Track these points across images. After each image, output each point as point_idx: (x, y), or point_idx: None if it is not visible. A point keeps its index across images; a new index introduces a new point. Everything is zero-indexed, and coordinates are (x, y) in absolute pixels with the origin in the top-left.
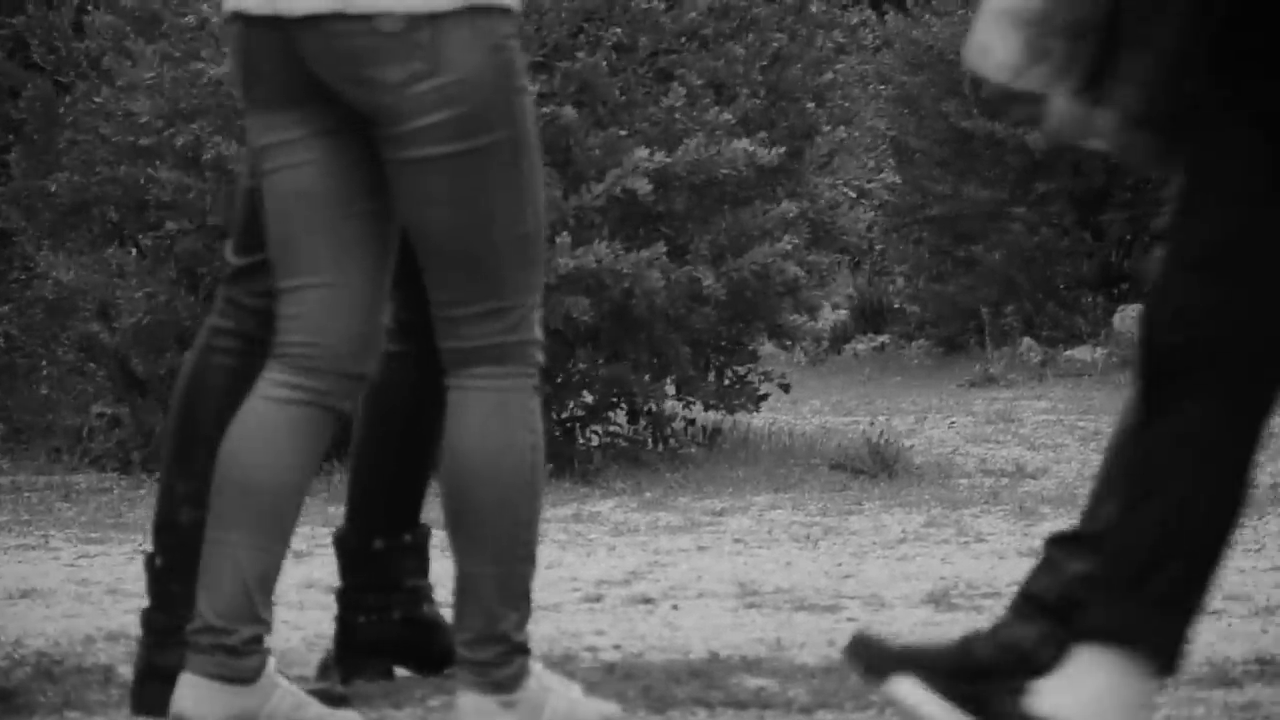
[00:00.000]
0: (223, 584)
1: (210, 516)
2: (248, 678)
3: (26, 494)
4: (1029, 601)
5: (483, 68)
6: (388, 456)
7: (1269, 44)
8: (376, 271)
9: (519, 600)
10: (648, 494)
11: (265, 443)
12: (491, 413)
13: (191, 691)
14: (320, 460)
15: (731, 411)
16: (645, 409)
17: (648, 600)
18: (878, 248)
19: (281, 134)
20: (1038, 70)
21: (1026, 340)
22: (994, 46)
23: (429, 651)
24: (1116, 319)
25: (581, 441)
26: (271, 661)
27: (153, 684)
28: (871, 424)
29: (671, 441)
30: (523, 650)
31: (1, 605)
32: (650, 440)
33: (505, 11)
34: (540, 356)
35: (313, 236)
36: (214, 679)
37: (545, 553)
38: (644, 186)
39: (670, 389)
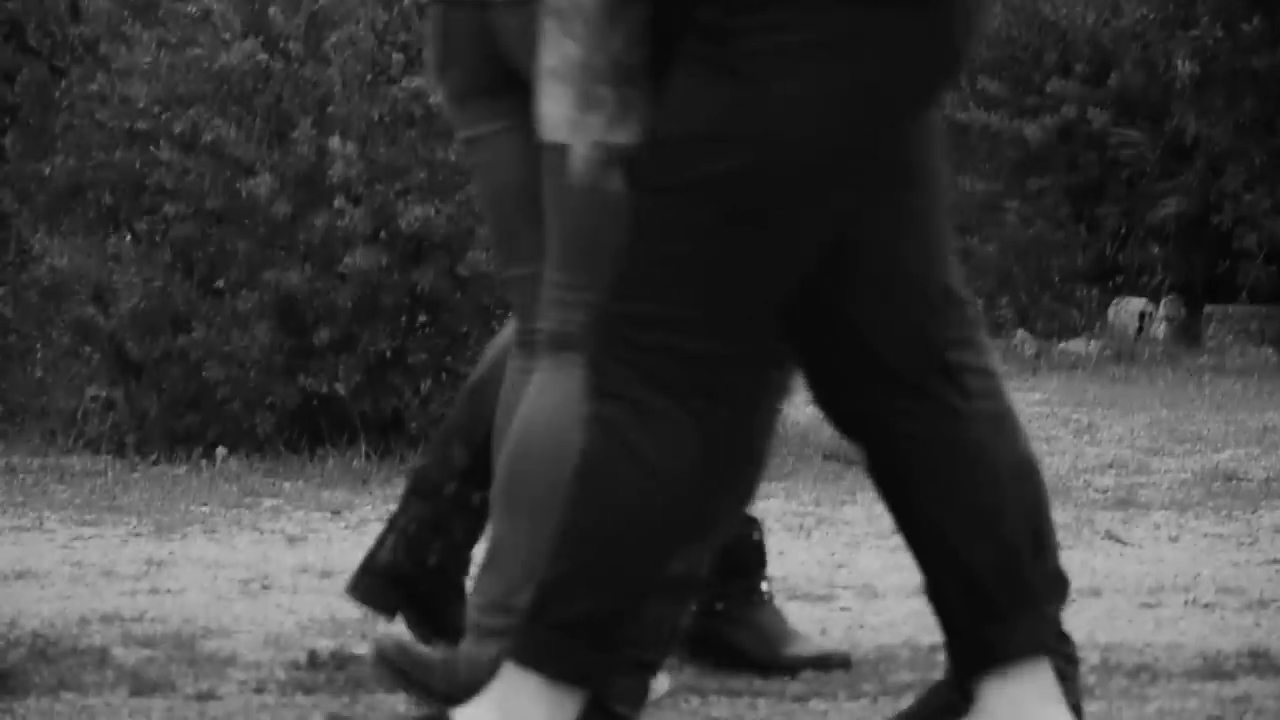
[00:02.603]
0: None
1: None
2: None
3: (21, 475)
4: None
5: None
6: None
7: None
8: None
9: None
10: None
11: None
12: (570, 394)
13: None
14: None
15: None
16: None
17: None
18: None
19: (484, 127)
20: (594, 120)
21: (1020, 332)
22: (551, 106)
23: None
24: (1111, 312)
25: None
26: None
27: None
28: None
29: None
30: None
31: None
32: None
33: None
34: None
35: (531, 227)
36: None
37: None
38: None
39: None
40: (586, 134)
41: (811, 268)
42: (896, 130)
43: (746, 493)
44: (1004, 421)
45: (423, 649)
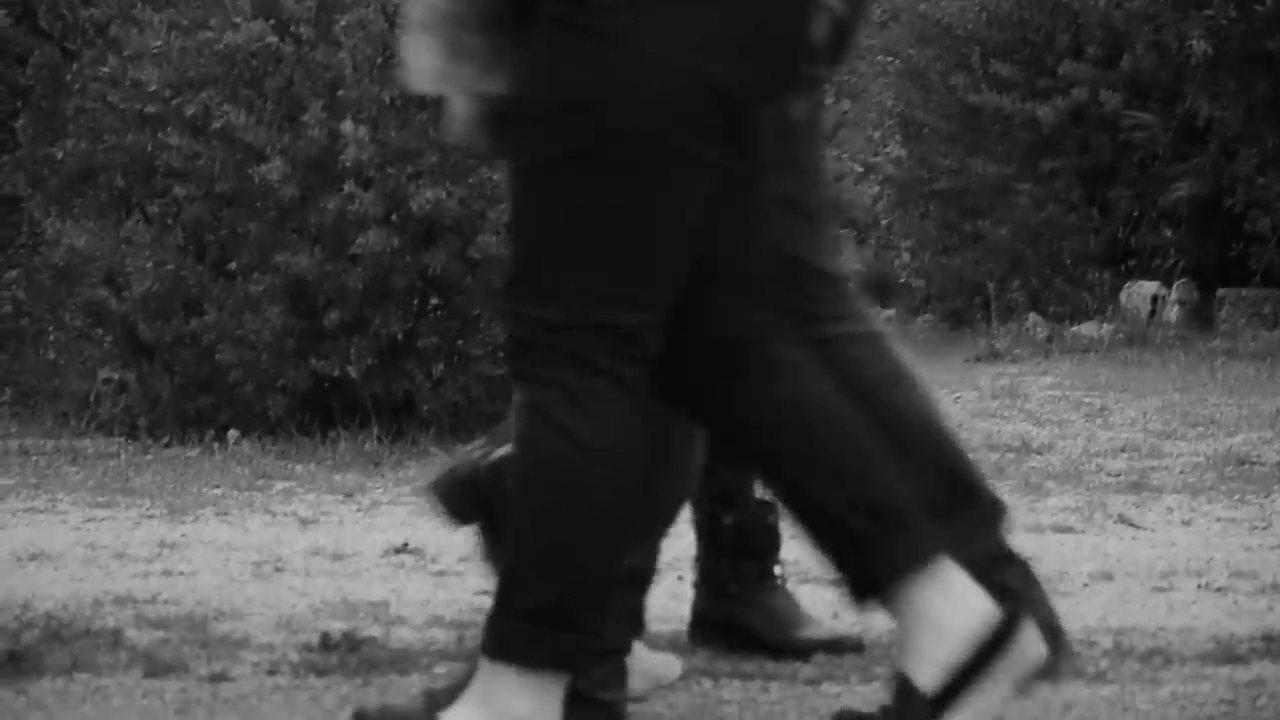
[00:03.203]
0: None
1: None
2: None
3: (34, 457)
4: None
5: None
6: None
7: None
8: None
9: None
10: None
11: None
12: None
13: None
14: None
15: None
16: None
17: None
18: (884, 222)
19: None
20: (462, 71)
21: (1033, 315)
22: (419, 56)
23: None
24: (1123, 295)
25: None
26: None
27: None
28: None
29: None
30: None
31: (10, 568)
32: None
33: None
34: None
35: None
36: None
37: None
38: None
39: None
40: (458, 84)
41: (703, 219)
42: (761, 85)
43: (686, 472)
44: (873, 377)
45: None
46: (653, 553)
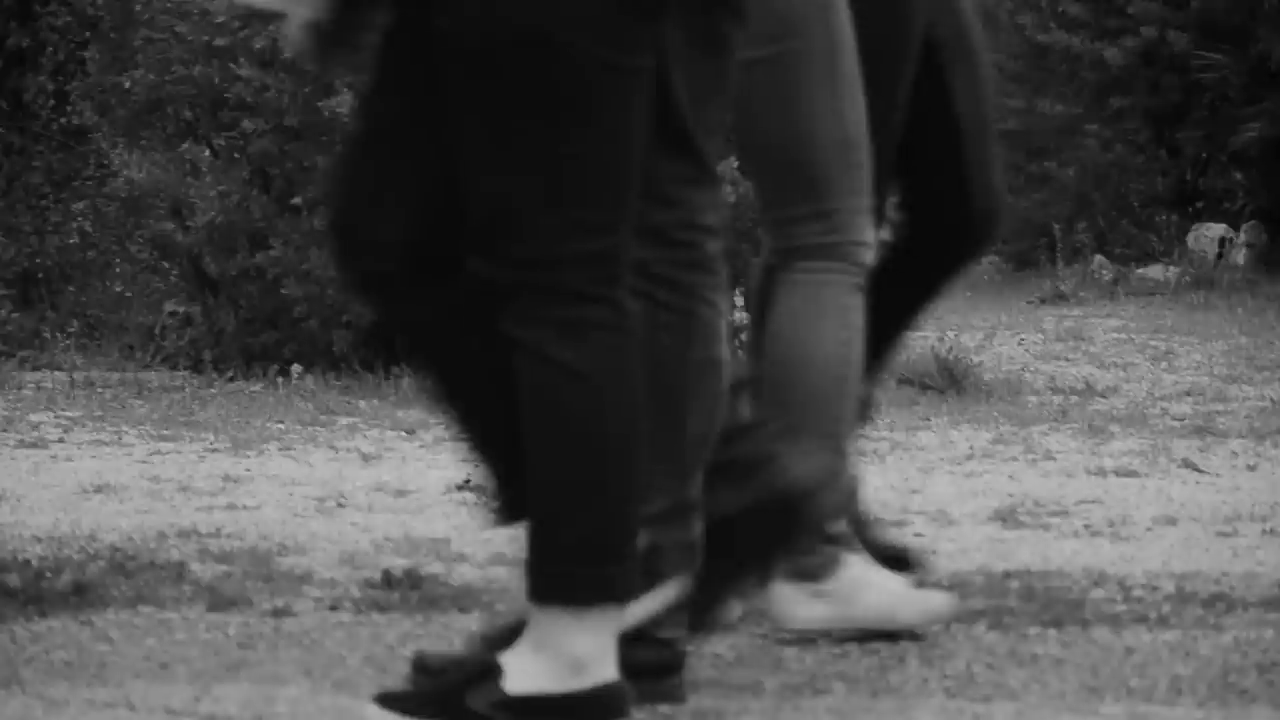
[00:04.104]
0: None
1: None
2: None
3: (100, 390)
4: None
5: None
6: None
7: None
8: None
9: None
10: None
11: None
12: (810, 307)
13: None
14: None
15: None
16: None
17: None
18: None
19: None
20: None
21: (1098, 258)
22: None
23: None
24: (1190, 238)
25: None
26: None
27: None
28: (940, 339)
29: (739, 353)
30: (832, 541)
31: (76, 500)
32: None
33: None
34: (867, 257)
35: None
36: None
37: None
38: None
39: (739, 300)
40: (269, 2)
41: (645, 128)
42: None
43: (711, 400)
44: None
45: None
46: (692, 484)
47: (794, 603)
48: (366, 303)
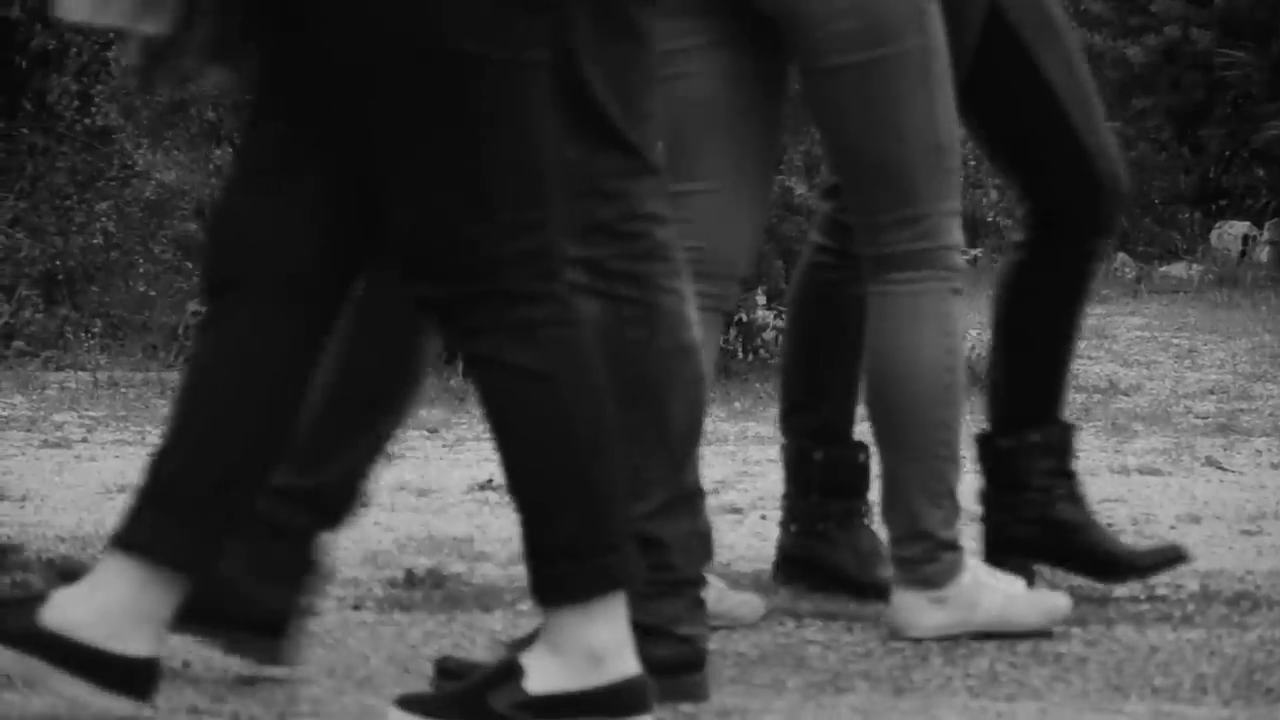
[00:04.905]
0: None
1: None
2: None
3: (124, 390)
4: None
5: None
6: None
7: None
8: (763, 181)
9: (942, 498)
10: (737, 404)
11: None
12: (907, 315)
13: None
14: (714, 361)
15: None
16: (736, 319)
17: (736, 510)
18: (971, 161)
19: (681, 41)
20: (120, 5)
21: (1121, 255)
22: None
23: (1067, 552)
24: (1214, 236)
25: None
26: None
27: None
28: (964, 338)
29: (762, 352)
30: (951, 547)
31: (100, 500)
32: (740, 350)
33: None
34: (960, 261)
35: (705, 144)
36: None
37: None
38: None
39: (761, 299)
40: (110, 18)
41: (554, 120)
42: None
43: (693, 385)
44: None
45: None
46: (688, 474)
47: (915, 610)
48: (207, 303)
